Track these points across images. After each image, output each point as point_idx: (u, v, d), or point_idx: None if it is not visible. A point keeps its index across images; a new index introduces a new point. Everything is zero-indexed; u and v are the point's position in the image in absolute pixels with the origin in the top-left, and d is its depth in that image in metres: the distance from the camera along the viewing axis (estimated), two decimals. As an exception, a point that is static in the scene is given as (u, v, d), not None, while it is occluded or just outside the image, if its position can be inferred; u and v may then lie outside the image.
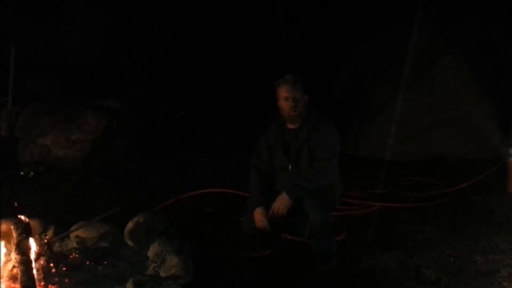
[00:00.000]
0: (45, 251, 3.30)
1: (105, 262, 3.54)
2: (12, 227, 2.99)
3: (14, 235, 2.97)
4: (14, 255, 3.06)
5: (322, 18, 10.47)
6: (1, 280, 3.16)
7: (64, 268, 3.42)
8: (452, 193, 5.36)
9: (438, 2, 7.68)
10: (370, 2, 9.91)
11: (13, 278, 3.19)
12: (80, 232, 3.87)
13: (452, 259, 3.84)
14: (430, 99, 6.89)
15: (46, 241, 3.34)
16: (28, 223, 3.01)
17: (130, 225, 3.88)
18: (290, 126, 4.07)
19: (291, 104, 3.94)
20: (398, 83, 7.18)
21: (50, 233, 3.72)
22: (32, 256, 3.05)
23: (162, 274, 3.26)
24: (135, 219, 3.91)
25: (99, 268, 3.48)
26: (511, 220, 4.51)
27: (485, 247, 4.00)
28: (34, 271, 3.03)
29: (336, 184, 4.18)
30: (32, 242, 3.09)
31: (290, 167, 4.06)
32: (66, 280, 3.29)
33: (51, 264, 3.36)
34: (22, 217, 3.00)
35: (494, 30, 7.25)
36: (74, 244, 3.77)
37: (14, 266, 3.20)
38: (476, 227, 4.40)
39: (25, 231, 2.97)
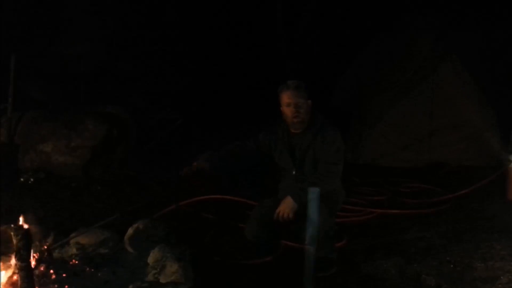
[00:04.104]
0: (45, 257, 3.30)
1: (105, 269, 3.52)
2: (12, 233, 2.98)
3: (14, 241, 2.97)
4: (14, 262, 3.05)
5: (322, 24, 10.51)
6: (1, 286, 3.16)
7: (64, 275, 3.41)
8: (452, 200, 5.35)
9: (437, 7, 7.71)
10: (371, 9, 9.95)
11: (13, 284, 3.18)
12: (80, 239, 3.86)
13: (452, 266, 3.83)
14: (430, 106, 6.90)
15: (46, 247, 3.34)
16: (28, 230, 3.01)
17: (130, 231, 3.87)
18: (295, 131, 4.07)
19: (293, 110, 3.92)
20: (398, 90, 7.21)
21: (50, 240, 3.71)
22: (32, 262, 3.04)
23: (162, 280, 3.26)
24: (135, 225, 3.91)
25: (99, 274, 3.47)
26: (511, 227, 4.50)
27: (485, 254, 4.00)
28: (34, 278, 3.03)
29: (339, 190, 4.18)
30: (32, 248, 3.08)
31: (294, 172, 4.06)
32: (66, 286, 3.28)
33: (51, 271, 3.35)
34: (23, 223, 3.00)
35: (494, 35, 7.27)
36: (74, 251, 3.76)
37: (14, 273, 3.19)
38: (476, 234, 4.40)
39: (25, 238, 2.96)
